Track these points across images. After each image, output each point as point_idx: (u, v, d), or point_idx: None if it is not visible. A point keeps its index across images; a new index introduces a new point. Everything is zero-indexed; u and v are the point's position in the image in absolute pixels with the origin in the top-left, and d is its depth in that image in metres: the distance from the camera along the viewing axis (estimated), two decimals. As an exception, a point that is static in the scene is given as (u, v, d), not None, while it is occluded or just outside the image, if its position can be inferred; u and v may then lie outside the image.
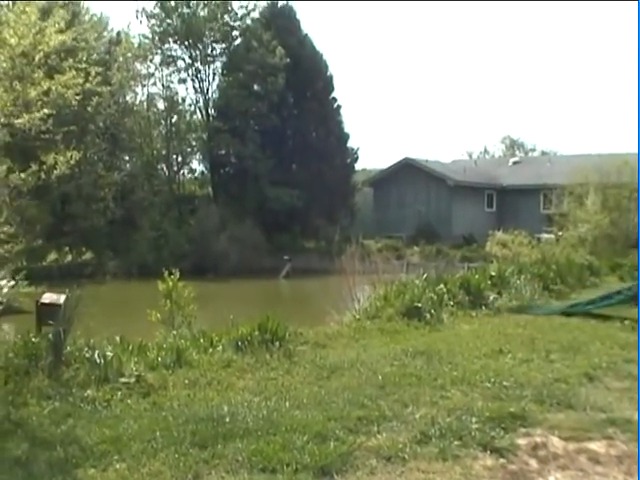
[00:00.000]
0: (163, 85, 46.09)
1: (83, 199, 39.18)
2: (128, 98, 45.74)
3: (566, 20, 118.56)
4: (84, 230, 38.36)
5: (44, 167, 14.69)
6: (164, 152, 46.11)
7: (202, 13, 45.18)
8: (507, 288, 15.94)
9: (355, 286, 15.06)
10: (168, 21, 44.78)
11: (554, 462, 5.85)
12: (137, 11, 45.33)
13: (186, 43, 45.38)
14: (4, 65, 11.62)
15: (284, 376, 8.31)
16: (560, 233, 32.34)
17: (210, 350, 9.38)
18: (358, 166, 51.43)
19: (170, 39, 45.24)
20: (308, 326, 11.53)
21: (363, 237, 23.61)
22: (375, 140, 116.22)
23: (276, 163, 43.07)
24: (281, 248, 39.88)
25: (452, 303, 13.78)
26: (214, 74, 46.97)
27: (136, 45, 45.11)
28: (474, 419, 6.57)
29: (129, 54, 44.26)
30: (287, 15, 47.61)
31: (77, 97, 16.30)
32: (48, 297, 10.51)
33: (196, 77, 46.51)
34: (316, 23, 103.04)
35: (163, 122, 46.32)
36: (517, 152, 75.04)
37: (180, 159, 47.06)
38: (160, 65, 45.67)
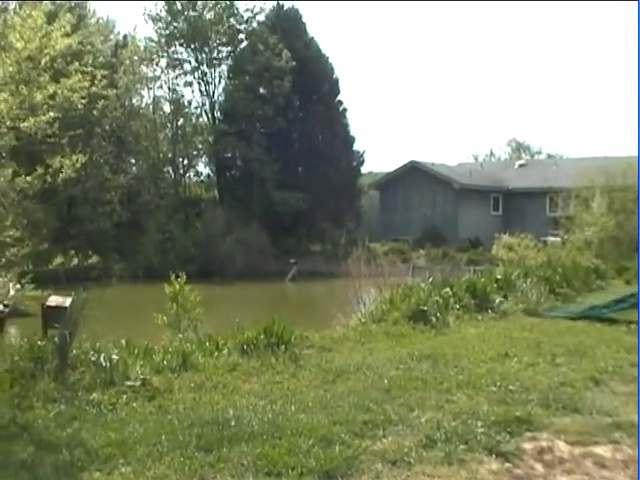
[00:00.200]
0: (169, 88, 46.21)
1: (89, 202, 39.25)
2: (134, 101, 45.88)
3: (570, 22, 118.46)
4: (90, 233, 38.40)
5: (50, 170, 14.72)
6: (170, 155, 46.18)
7: (208, 16, 45.21)
8: (513, 291, 15.93)
9: (361, 289, 15.04)
10: (174, 24, 44.85)
11: (560, 466, 5.84)
12: (144, 14, 45.45)
13: (192, 46, 45.45)
14: (10, 69, 11.66)
15: (290, 380, 8.31)
16: (566, 236, 32.29)
17: (216, 354, 9.39)
18: (364, 169, 51.45)
19: (176, 42, 45.29)
20: (314, 329, 11.54)
21: (369, 240, 23.54)
22: (381, 143, 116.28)
23: (282, 166, 43.08)
24: (287, 251, 39.89)
25: (458, 306, 13.77)
26: (220, 77, 47.11)
27: (142, 48, 45.19)
28: (480, 423, 6.56)
29: (135, 57, 44.38)
30: (293, 18, 47.62)
31: (83, 100, 16.33)
32: (54, 300, 10.54)
33: (202, 80, 46.60)
34: (322, 26, 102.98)
35: (169, 125, 46.40)
36: (523, 155, 74.99)
37: (186, 162, 47.12)
38: (166, 68, 45.79)
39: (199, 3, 44.71)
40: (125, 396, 7.45)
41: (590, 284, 19.45)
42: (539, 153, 77.55)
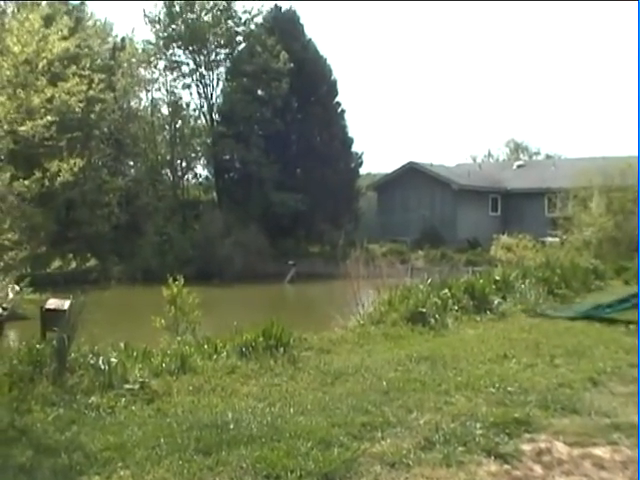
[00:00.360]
0: (167, 90, 46.33)
1: (88, 205, 39.24)
2: (132, 103, 45.91)
3: (569, 22, 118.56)
4: (89, 236, 38.40)
5: (47, 174, 14.70)
6: (168, 157, 46.22)
7: (206, 18, 45.25)
8: (512, 292, 15.94)
9: (359, 291, 15.03)
10: (173, 26, 44.88)
11: (558, 468, 5.83)
12: (144, 15, 45.44)
13: (190, 48, 45.48)
14: (8, 73, 11.65)
15: (288, 382, 8.30)
16: (565, 236, 32.30)
17: (214, 356, 9.38)
18: (362, 170, 51.57)
19: (174, 44, 45.34)
20: (313, 331, 11.54)
21: (367, 241, 23.60)
22: (379, 144, 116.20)
23: (280, 168, 43.12)
24: (286, 253, 39.92)
25: (456, 308, 13.75)
26: (218, 79, 47.18)
27: (140, 51, 45.24)
28: (478, 425, 6.56)
29: (133, 60, 44.42)
30: (291, 20, 47.69)
31: (80, 104, 16.31)
32: (53, 303, 10.52)
33: (200, 82, 46.65)
34: (320, 28, 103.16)
35: (167, 127, 46.43)
36: (521, 155, 75.06)
37: (184, 164, 47.18)
38: (164, 70, 45.90)
39: (197, 5, 44.71)
40: (124, 399, 7.44)
41: (589, 285, 19.45)
42: (537, 154, 77.66)
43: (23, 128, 11.80)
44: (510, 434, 6.44)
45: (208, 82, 46.76)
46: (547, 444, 6.27)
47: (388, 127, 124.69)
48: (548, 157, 69.96)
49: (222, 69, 47.10)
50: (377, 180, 52.29)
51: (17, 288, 17.34)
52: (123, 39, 46.38)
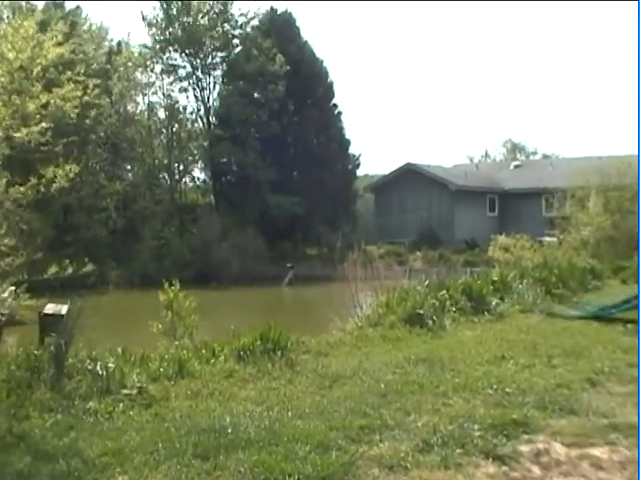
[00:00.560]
0: (164, 94, 46.20)
1: (85, 209, 39.18)
2: (129, 107, 45.80)
3: (566, 22, 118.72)
4: (86, 240, 38.31)
5: (43, 180, 14.68)
6: (165, 161, 46.15)
7: (203, 21, 45.21)
8: (509, 293, 15.96)
9: (357, 293, 15.04)
10: (169, 30, 44.85)
11: (557, 469, 5.84)
12: (142, 18, 45.38)
13: (187, 52, 45.43)
14: (2, 79, 11.66)
15: (286, 386, 8.30)
16: (562, 236, 32.29)
17: (212, 360, 9.37)
18: (360, 172, 51.46)
19: (171, 48, 45.30)
20: (311, 334, 11.56)
21: (365, 243, 23.56)
22: (376, 146, 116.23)
23: (277, 170, 43.05)
24: (283, 255, 39.87)
25: (454, 309, 13.76)
26: (214, 82, 47.07)
27: (136, 54, 45.21)
28: (476, 426, 6.57)
29: (129, 63, 44.36)
30: (287, 22, 47.65)
31: (76, 110, 16.29)
32: (51, 308, 10.52)
33: (197, 86, 46.59)
34: (316, 30, 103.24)
35: (164, 131, 46.37)
36: (518, 156, 75.08)
37: (181, 168, 47.08)
38: (161, 74, 45.81)
39: (194, 7, 44.66)
40: (122, 404, 7.43)
41: (586, 284, 19.47)
42: (534, 153, 77.68)
43: (18, 135, 11.80)
44: (508, 435, 6.44)
45: (205, 85, 46.74)
46: (545, 445, 6.27)
47: (385, 128, 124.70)
48: (545, 157, 69.99)
49: (218, 72, 47.07)
50: (374, 182, 52.27)
51: (13, 294, 17.32)
52: (119, 43, 46.32)
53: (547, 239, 33.97)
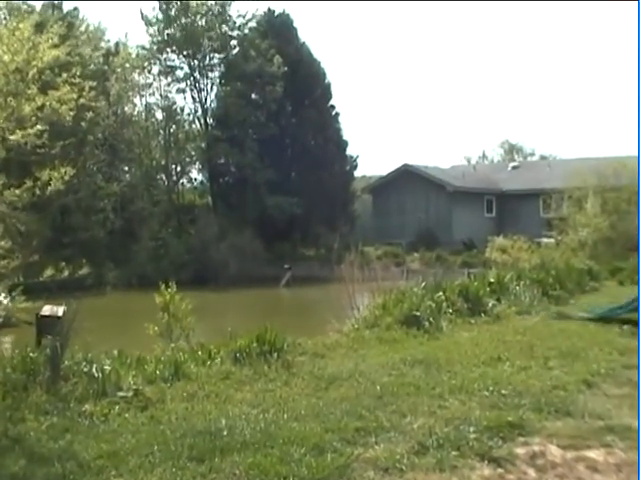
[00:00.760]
0: (161, 95, 46.36)
1: (82, 211, 39.17)
2: (126, 109, 45.86)
3: (565, 23, 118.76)
4: (84, 241, 38.30)
5: (38, 183, 14.64)
6: (163, 162, 46.19)
7: (201, 22, 45.23)
8: (506, 294, 15.95)
9: (355, 294, 15.02)
10: (167, 31, 44.84)
11: (552, 471, 5.84)
12: (142, 18, 45.35)
13: (185, 53, 45.46)
14: (-2, 82, 11.65)
15: (282, 388, 8.29)
16: (560, 237, 32.33)
17: (208, 362, 9.35)
18: (357, 173, 51.61)
19: (168, 49, 45.32)
20: (308, 335, 11.54)
21: (363, 244, 23.57)
22: (374, 147, 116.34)
23: (275, 171, 43.05)
24: (281, 256, 39.87)
25: (451, 311, 13.73)
26: (212, 84, 47.13)
27: (134, 55, 45.21)
28: (472, 429, 6.55)
29: (127, 65, 44.37)
30: (284, 23, 47.70)
31: (71, 112, 16.25)
32: (48, 309, 10.54)
33: (194, 87, 46.63)
34: (313, 31, 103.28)
35: (162, 132, 46.42)
36: (516, 157, 75.14)
37: (179, 169, 47.14)
38: (158, 75, 45.87)
39: (192, 9, 44.65)
40: (117, 407, 7.41)
41: (583, 286, 19.50)
42: (532, 154, 77.71)
43: (13, 137, 11.78)
44: (504, 438, 6.43)
45: (202, 86, 46.81)
46: (541, 447, 6.26)
47: (382, 129, 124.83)
48: (543, 158, 70.02)
49: (216, 73, 47.17)
50: (372, 183, 52.32)
51: (8, 297, 17.34)
52: (117, 44, 46.31)
53: (545, 240, 34.01)
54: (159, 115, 46.78)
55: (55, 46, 13.52)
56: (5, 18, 14.66)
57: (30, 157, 16.87)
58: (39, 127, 12.49)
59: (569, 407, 7.39)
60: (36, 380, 7.84)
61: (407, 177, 48.20)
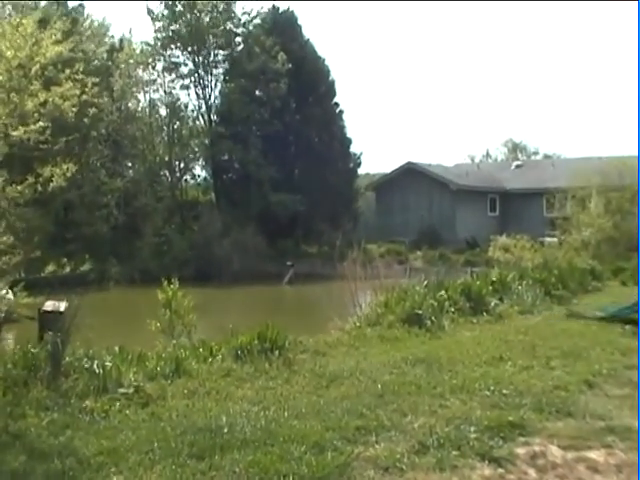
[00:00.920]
0: (165, 91, 46.18)
1: (86, 206, 39.11)
2: (130, 105, 45.72)
3: (568, 22, 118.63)
4: (87, 237, 38.25)
5: (40, 179, 14.60)
6: (166, 158, 46.09)
7: (206, 19, 45.19)
8: (509, 294, 15.94)
9: (357, 292, 15.01)
10: (172, 27, 44.81)
11: (553, 471, 5.84)
12: (148, 13, 45.30)
13: (189, 49, 45.41)
14: (0, 77, 11.63)
15: (283, 385, 8.30)
16: (563, 237, 32.26)
17: (209, 359, 9.36)
18: (361, 171, 51.37)
19: (173, 45, 45.28)
20: (310, 333, 11.54)
21: (366, 242, 23.51)
22: (378, 145, 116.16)
23: (278, 168, 42.98)
24: (284, 253, 39.83)
25: (453, 309, 13.73)
26: (216, 80, 47.01)
27: (138, 51, 45.18)
28: (473, 428, 6.55)
29: (131, 61, 44.29)
30: (289, 20, 47.62)
31: (74, 108, 16.21)
32: (50, 305, 10.52)
33: (198, 83, 46.52)
34: (318, 28, 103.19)
35: (165, 128, 46.30)
36: (519, 155, 75.05)
37: (183, 165, 47.02)
38: (162, 72, 45.76)
39: (197, 6, 44.59)
40: (118, 403, 7.42)
41: (586, 285, 19.48)
42: (536, 153, 77.60)
43: (16, 133, 11.77)
44: (504, 438, 6.43)
45: (206, 83, 46.69)
46: (541, 447, 6.26)
47: (386, 127, 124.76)
48: (546, 157, 69.95)
49: (220, 70, 47.03)
50: (375, 180, 52.29)
51: (11, 292, 17.30)
52: (121, 40, 46.22)
53: (548, 239, 33.97)
54: (163, 111, 46.68)
55: (58, 42, 13.49)
56: (9, 14, 14.66)
57: (33, 153, 16.86)
58: (42, 123, 12.46)
59: (570, 407, 7.39)
60: (37, 376, 7.84)
61: (411, 175, 48.16)
